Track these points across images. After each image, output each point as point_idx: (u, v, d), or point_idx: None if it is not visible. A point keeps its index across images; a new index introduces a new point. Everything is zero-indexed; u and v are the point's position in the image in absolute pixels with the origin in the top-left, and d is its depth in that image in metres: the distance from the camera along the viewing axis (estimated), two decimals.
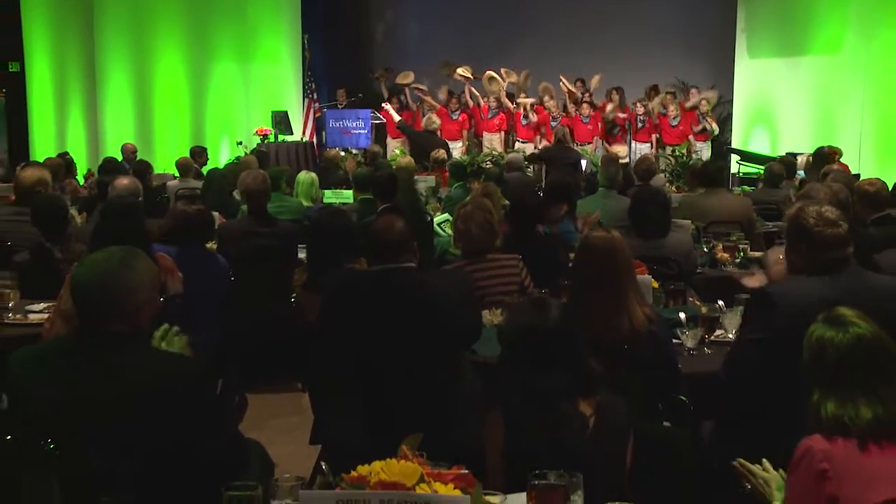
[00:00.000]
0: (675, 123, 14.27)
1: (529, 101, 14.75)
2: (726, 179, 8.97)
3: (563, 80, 14.74)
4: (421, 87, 15.09)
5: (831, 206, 3.51)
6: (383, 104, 14.76)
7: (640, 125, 14.59)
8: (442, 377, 3.66)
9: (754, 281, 4.75)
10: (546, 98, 14.79)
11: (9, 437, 2.72)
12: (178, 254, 5.15)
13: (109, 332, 2.71)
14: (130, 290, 2.75)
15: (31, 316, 4.86)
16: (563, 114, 14.57)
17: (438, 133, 14.08)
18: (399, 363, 3.63)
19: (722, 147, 14.47)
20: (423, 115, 14.83)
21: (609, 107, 14.60)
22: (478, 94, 15.06)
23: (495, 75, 14.87)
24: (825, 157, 8.88)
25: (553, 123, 14.19)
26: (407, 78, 15.18)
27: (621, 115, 14.63)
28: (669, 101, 14.38)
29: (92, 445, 2.60)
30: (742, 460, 2.77)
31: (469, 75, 14.92)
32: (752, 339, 3.51)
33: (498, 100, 14.91)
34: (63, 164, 11.03)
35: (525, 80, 15.08)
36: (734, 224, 7.07)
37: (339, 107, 15.05)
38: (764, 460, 2.75)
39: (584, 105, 14.60)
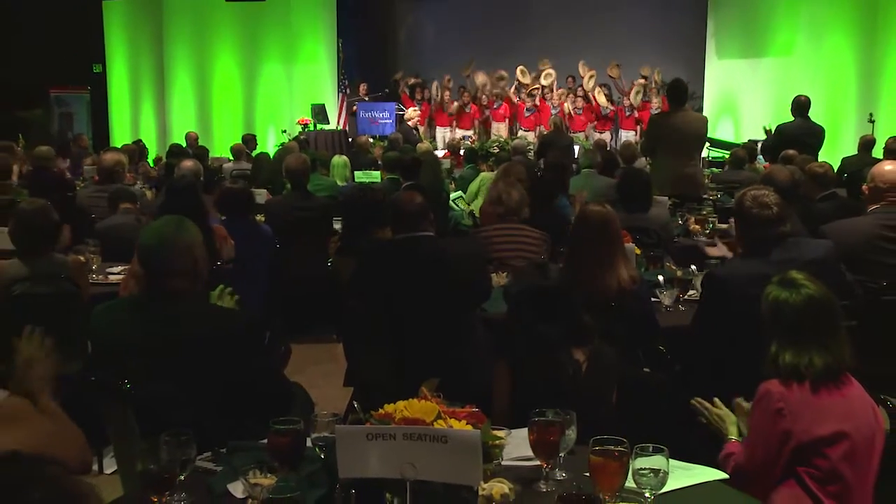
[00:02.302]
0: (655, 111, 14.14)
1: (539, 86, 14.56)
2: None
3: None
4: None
5: (770, 191, 3.47)
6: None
7: (627, 114, 14.49)
8: (456, 328, 3.63)
9: (716, 251, 4.69)
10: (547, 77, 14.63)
11: (93, 378, 2.73)
12: (227, 224, 5.13)
13: (171, 288, 2.69)
14: (186, 248, 2.74)
15: (111, 276, 4.86)
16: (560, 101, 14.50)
17: (415, 123, 13.92)
18: (419, 316, 3.60)
19: None
20: (444, 108, 14.79)
21: (602, 100, 14.43)
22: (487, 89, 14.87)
23: (505, 75, 14.74)
24: (740, 159, 8.89)
25: (553, 111, 14.14)
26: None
27: (611, 108, 14.51)
28: (653, 94, 14.32)
29: (159, 385, 2.59)
30: (698, 399, 2.75)
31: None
32: (707, 313, 3.50)
33: (500, 95, 14.77)
34: (137, 150, 11.06)
35: (533, 82, 14.89)
36: (705, 199, 7.07)
37: (366, 99, 14.94)
38: (715, 399, 2.74)
39: (578, 99, 14.51)
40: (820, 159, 8.13)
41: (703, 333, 3.51)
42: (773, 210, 3.36)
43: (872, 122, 11.34)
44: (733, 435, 2.64)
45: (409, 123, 13.74)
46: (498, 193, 4.96)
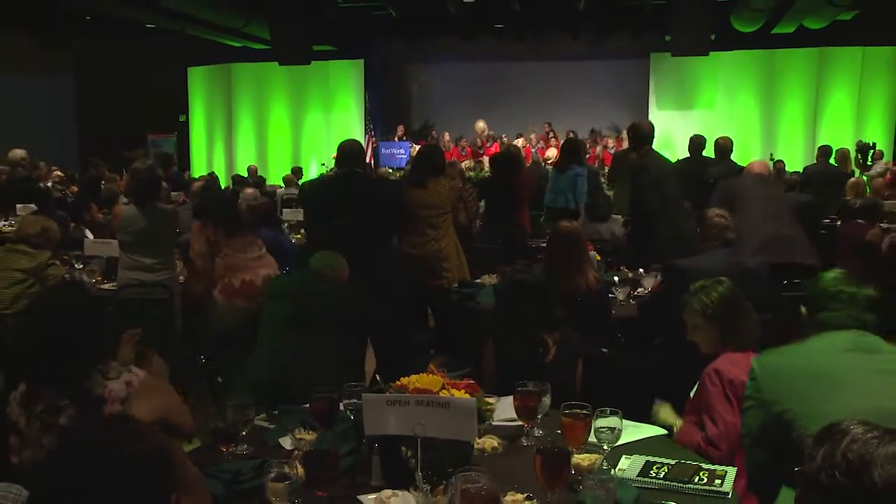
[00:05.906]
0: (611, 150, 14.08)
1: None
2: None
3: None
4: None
5: (725, 212, 3.64)
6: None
7: (586, 155, 14.39)
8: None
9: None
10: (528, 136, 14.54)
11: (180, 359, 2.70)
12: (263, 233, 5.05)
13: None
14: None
15: None
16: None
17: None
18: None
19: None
20: (444, 148, 14.70)
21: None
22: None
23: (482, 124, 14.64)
24: None
25: (533, 150, 14.09)
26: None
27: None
28: (610, 139, 14.32)
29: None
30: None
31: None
32: (664, 294, 3.50)
33: (494, 137, 14.67)
34: (210, 180, 11.02)
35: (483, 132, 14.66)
36: None
37: (395, 139, 14.90)
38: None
39: (552, 139, 14.44)
40: None
41: (655, 311, 3.54)
42: (726, 227, 3.52)
43: (773, 160, 11.44)
44: (677, 427, 2.40)
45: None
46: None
